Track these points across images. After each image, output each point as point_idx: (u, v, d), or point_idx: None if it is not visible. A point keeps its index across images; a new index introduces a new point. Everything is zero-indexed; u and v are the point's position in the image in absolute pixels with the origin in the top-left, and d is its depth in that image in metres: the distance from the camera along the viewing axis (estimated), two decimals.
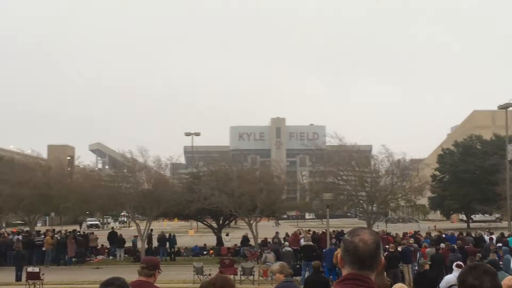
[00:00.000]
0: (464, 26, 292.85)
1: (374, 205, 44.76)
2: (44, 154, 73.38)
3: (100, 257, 43.74)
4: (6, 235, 46.88)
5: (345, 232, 39.32)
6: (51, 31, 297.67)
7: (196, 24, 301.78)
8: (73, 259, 40.18)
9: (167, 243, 43.56)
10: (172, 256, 42.65)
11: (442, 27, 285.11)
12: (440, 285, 15.80)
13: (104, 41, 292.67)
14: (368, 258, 3.33)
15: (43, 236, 42.33)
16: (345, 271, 3.41)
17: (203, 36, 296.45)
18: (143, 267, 6.87)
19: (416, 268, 27.22)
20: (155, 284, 6.87)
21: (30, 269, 28.35)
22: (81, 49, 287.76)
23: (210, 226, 50.77)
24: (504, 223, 59.33)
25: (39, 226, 67.80)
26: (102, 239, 46.83)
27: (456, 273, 15.71)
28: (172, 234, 44.88)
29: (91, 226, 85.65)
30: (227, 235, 48.86)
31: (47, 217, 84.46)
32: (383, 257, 3.46)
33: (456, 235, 38.03)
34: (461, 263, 17.23)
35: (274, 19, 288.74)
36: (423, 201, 74.88)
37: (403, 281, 24.01)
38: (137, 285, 6.52)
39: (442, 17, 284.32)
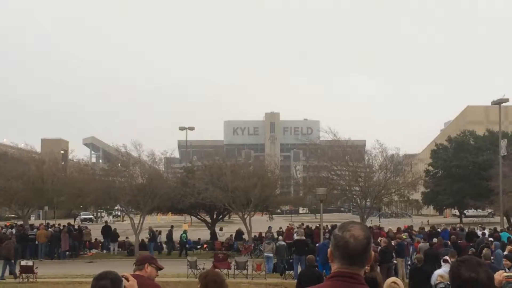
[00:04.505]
0: (457, 22, 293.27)
1: (368, 200, 44.91)
2: (38, 148, 72.98)
3: (94, 251, 43.76)
4: None
5: None
6: (41, 23, 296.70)
7: (190, 20, 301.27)
8: (67, 253, 40.16)
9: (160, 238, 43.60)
10: (184, 251, 41.19)
11: (435, 23, 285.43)
12: (431, 280, 15.87)
13: (98, 36, 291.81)
14: (359, 254, 3.33)
15: (36, 229, 42.29)
16: (334, 266, 3.40)
17: (196, 31, 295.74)
18: (134, 263, 7.07)
19: (410, 262, 27.37)
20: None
21: (23, 262, 28.35)
22: (75, 43, 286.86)
23: (204, 221, 50.81)
24: (497, 218, 59.54)
25: (32, 220, 67.72)
26: (95, 233, 46.82)
27: (445, 268, 15.77)
28: (171, 230, 44.55)
29: (85, 220, 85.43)
30: (221, 229, 48.93)
31: (40, 211, 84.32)
32: (373, 252, 3.47)
33: (448, 230, 38.22)
34: (447, 257, 17.31)
35: (267, 14, 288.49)
36: (416, 196, 75.06)
37: (396, 275, 24.10)
38: None
39: (436, 14, 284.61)
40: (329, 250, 3.47)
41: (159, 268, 7.08)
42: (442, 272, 14.70)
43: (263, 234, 42.54)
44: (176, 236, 44.86)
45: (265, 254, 31.44)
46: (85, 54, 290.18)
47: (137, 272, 6.66)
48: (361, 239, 3.34)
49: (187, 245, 42.20)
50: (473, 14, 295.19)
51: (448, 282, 4.06)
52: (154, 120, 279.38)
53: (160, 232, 44.43)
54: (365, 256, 3.36)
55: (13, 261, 29.07)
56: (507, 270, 10.99)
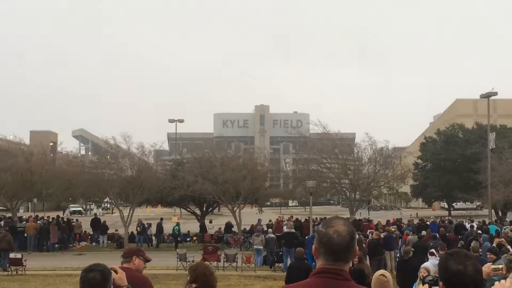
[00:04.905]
0: (447, 15, 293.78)
1: (357, 192, 45.02)
2: (27, 140, 72.52)
3: (83, 243, 43.67)
4: None
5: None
6: (28, 13, 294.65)
7: (180, 13, 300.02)
8: (56, 245, 40.06)
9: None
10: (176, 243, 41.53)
11: (426, 16, 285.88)
12: (419, 272, 15.93)
13: (87, 28, 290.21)
14: (343, 250, 3.34)
15: (25, 222, 42.13)
16: (319, 262, 3.42)
17: (185, 23, 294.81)
18: (121, 256, 7.09)
19: (398, 255, 27.48)
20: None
21: (12, 255, 28.21)
22: (65, 31, 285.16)
23: (194, 213, 50.79)
24: (485, 211, 59.90)
25: (21, 212, 67.38)
26: (85, 225, 46.72)
27: (432, 260, 15.83)
28: (160, 222, 44.41)
29: (74, 212, 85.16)
30: (210, 222, 48.91)
31: (29, 203, 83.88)
32: (357, 247, 3.48)
33: (437, 222, 38.39)
34: (433, 250, 17.39)
35: (257, 6, 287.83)
36: (405, 189, 75.48)
37: (385, 268, 24.20)
38: None
39: (426, 6, 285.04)
40: (313, 246, 3.48)
41: (147, 260, 7.08)
42: (428, 264, 14.75)
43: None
44: (166, 228, 44.88)
45: (254, 246, 31.49)
46: (75, 47, 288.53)
47: (125, 265, 6.66)
48: (345, 235, 3.35)
49: (179, 238, 42.24)
50: (462, 6, 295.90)
51: (436, 275, 4.07)
52: (144, 113, 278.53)
53: (150, 225, 44.39)
54: (349, 251, 3.37)
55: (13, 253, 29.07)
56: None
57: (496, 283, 3.58)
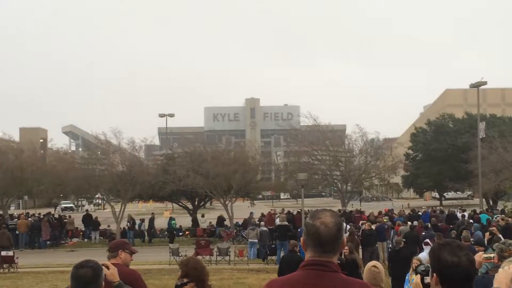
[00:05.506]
0: (436, 6, 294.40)
1: (349, 184, 45.15)
2: (16, 137, 72.31)
3: (75, 239, 43.53)
4: None
5: None
6: (13, 7, 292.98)
7: (172, 6, 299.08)
8: (48, 242, 39.93)
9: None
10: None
11: (415, 7, 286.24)
12: (411, 263, 15.97)
13: (76, 23, 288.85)
14: (330, 242, 3.34)
15: (16, 219, 41.97)
16: (308, 254, 3.42)
17: (178, 18, 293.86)
18: (107, 250, 7.07)
19: (390, 245, 27.56)
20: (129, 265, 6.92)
21: (4, 252, 28.08)
22: (54, 27, 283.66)
23: (186, 207, 50.76)
24: (476, 200, 60.17)
25: (12, 210, 67.16)
26: (76, 221, 46.59)
27: (427, 251, 15.87)
28: (152, 218, 44.34)
29: (65, 209, 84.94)
30: (202, 216, 48.88)
31: (20, 200, 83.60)
32: (345, 239, 3.48)
33: (429, 212, 38.50)
34: (428, 241, 17.43)
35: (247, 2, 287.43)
36: (397, 179, 75.62)
37: (377, 258, 24.26)
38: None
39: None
40: (302, 239, 3.49)
41: (133, 253, 7.06)
42: (424, 255, 14.80)
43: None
44: (159, 223, 44.80)
45: (249, 240, 31.50)
46: (64, 42, 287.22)
47: (112, 260, 6.63)
48: (332, 226, 3.36)
49: (174, 232, 42.15)
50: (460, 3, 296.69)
51: (428, 265, 4.05)
52: (134, 107, 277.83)
53: (143, 220, 44.32)
54: (337, 243, 3.38)
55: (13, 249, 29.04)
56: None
57: (500, 269, 3.55)
